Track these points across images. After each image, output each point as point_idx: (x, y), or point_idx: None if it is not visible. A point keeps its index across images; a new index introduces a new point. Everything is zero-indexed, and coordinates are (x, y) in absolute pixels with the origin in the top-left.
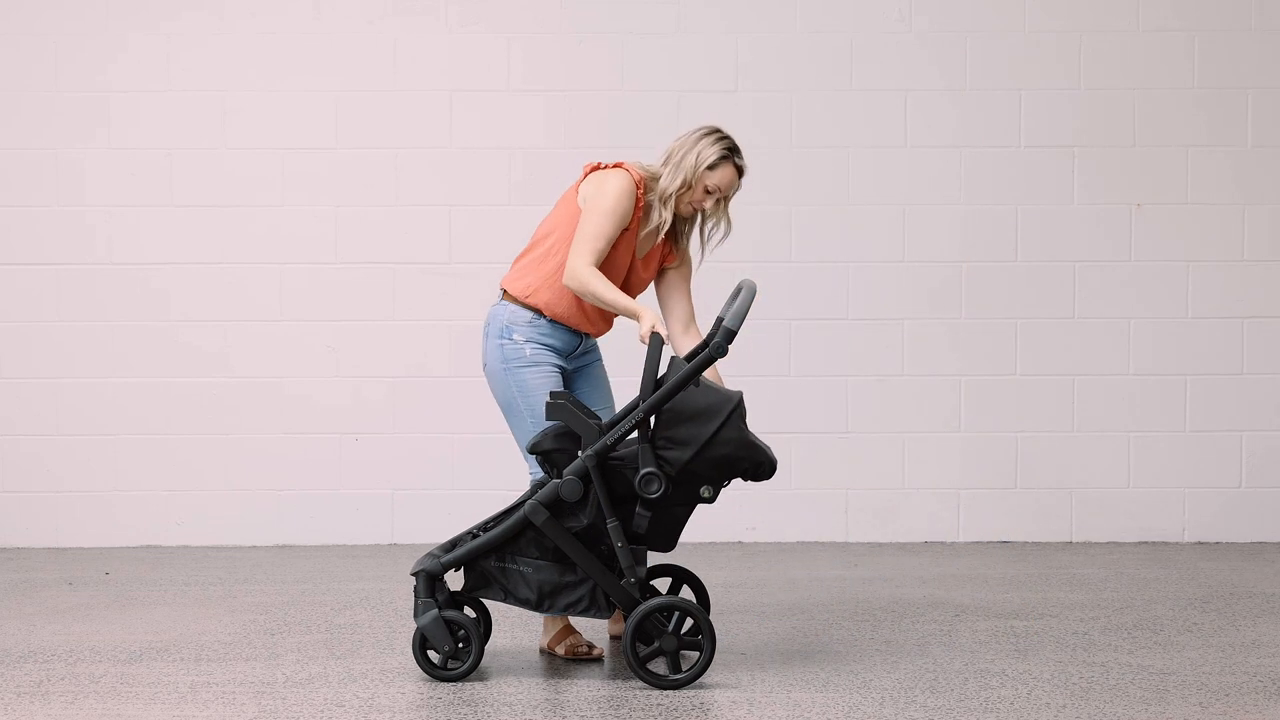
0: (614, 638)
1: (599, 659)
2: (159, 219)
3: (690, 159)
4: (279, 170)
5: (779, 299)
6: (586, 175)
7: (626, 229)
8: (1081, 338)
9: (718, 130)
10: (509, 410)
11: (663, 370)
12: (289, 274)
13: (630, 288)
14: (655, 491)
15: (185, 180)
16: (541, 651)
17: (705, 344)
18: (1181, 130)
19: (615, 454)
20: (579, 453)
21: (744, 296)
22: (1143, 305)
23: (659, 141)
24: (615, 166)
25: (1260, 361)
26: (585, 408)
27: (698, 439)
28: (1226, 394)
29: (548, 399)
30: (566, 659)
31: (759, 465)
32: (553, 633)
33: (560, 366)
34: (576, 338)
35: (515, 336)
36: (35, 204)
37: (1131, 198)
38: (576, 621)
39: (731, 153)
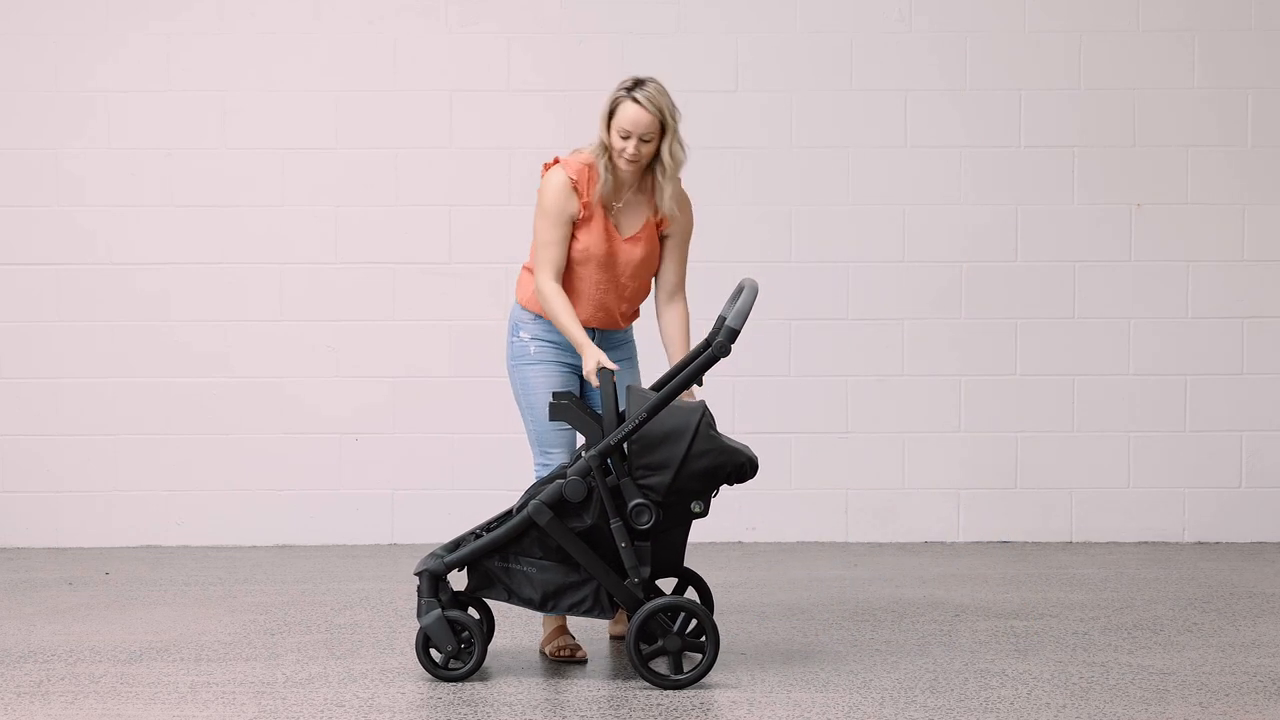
0: (614, 638)
1: (582, 661)
2: (159, 219)
3: (601, 121)
4: (279, 170)
5: (780, 299)
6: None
7: (582, 218)
8: (1081, 338)
9: (625, 80)
10: (517, 403)
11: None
12: (289, 274)
13: (621, 268)
14: (647, 521)
15: (185, 180)
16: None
17: (708, 343)
18: (1181, 130)
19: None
20: (582, 453)
21: (746, 296)
22: (1143, 305)
23: None
24: (553, 163)
25: (1260, 361)
26: (589, 408)
27: (674, 459)
28: (1226, 394)
29: (550, 399)
30: (552, 659)
31: (740, 467)
32: (547, 632)
33: (571, 364)
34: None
35: (521, 334)
36: (34, 204)
37: (1132, 198)
38: (575, 622)
39: (631, 89)
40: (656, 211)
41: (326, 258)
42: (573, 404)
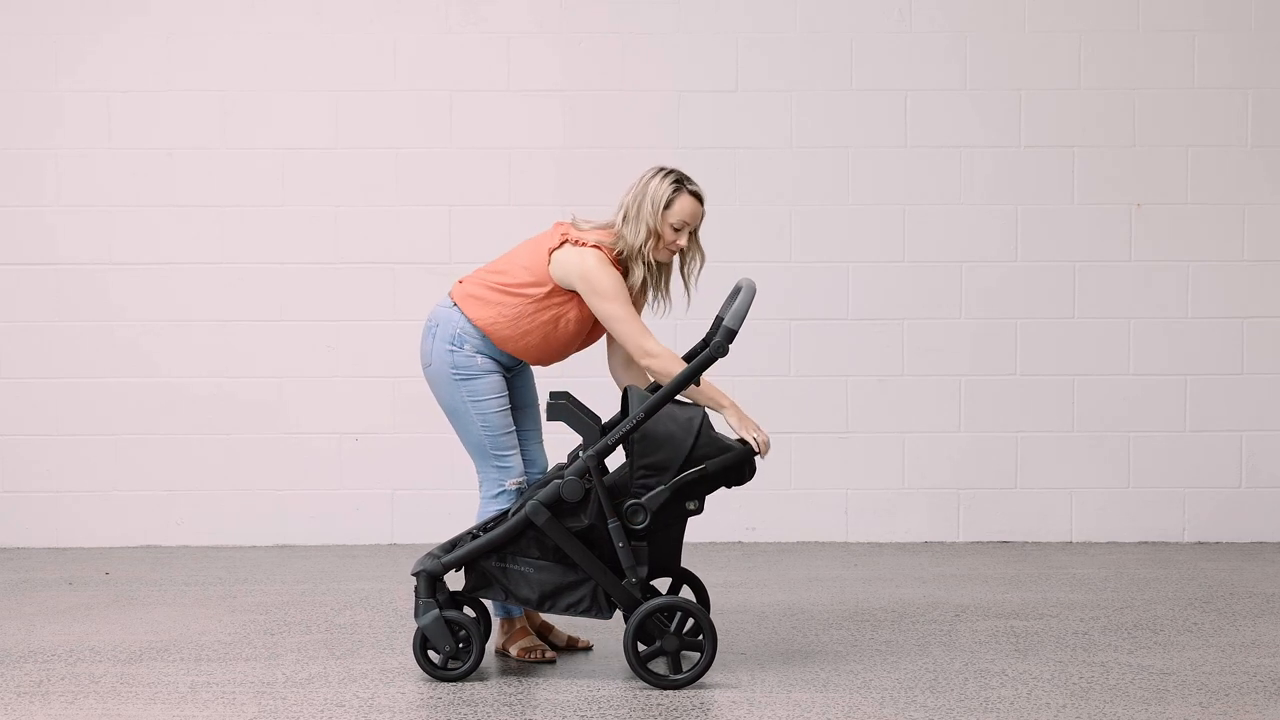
0: (498, 652)
1: (551, 662)
2: (160, 219)
3: (647, 207)
4: (279, 170)
5: (779, 299)
6: (561, 243)
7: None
8: (1081, 338)
9: (663, 167)
10: (455, 414)
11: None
12: (289, 274)
13: (593, 335)
14: (641, 523)
15: (186, 180)
16: (497, 653)
17: (705, 343)
18: (1181, 130)
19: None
20: (580, 453)
21: (744, 296)
22: (1143, 305)
23: (659, 141)
24: (582, 245)
25: (1260, 361)
26: (585, 408)
27: (674, 462)
28: (1226, 394)
29: (548, 399)
30: (520, 660)
31: (740, 471)
32: (508, 634)
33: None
34: (517, 360)
35: (466, 348)
36: (35, 204)
37: (1132, 198)
38: (573, 621)
39: (682, 183)
40: (639, 293)
41: (326, 258)
42: (570, 404)
